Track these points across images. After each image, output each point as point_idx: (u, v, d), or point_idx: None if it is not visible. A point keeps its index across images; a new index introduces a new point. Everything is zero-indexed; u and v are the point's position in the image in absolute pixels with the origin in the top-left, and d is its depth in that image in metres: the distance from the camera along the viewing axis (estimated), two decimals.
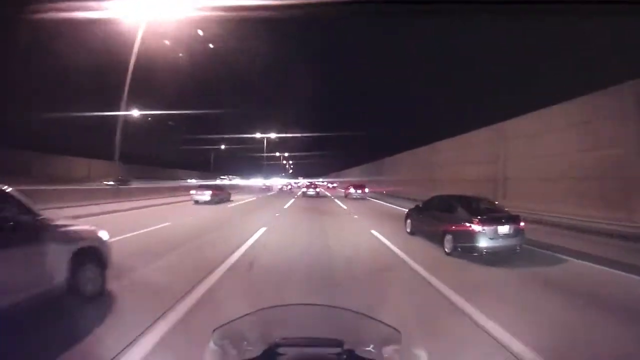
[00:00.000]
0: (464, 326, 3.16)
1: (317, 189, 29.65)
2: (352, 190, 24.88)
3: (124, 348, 2.44)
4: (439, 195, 7.97)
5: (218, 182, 31.03)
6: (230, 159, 58.40)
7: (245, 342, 1.08)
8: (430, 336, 2.80)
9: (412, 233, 8.14)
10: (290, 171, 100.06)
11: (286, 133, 45.01)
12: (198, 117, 38.69)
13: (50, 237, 3.09)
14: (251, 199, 22.19)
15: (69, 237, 3.33)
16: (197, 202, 16.11)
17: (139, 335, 2.66)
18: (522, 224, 6.12)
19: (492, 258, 5.66)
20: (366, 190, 25.29)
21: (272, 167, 70.90)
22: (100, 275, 3.58)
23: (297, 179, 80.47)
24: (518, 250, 5.98)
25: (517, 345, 2.70)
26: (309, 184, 34.02)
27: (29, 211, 3.01)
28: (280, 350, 0.94)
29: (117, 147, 14.49)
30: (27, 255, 2.85)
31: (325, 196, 28.73)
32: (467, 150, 16.24)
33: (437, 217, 6.89)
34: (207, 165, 54.86)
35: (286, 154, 64.87)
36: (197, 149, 46.24)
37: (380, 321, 1.22)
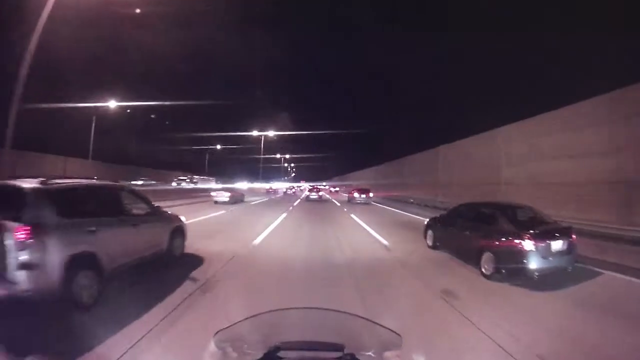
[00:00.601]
0: None
1: (320, 193, 29.57)
2: (356, 194, 23.57)
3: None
4: (469, 203, 6.67)
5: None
6: (231, 163, 57.10)
7: (246, 345, 1.09)
8: None
9: (434, 247, 6.90)
10: (293, 174, 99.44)
11: (288, 135, 43.35)
12: (201, 119, 37.77)
13: (161, 219, 5.13)
14: (264, 200, 26.08)
15: (169, 220, 5.39)
16: (216, 202, 18.34)
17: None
18: (574, 237, 4.93)
19: (540, 281, 4.47)
20: (370, 194, 23.99)
21: (274, 171, 69.81)
22: (182, 243, 5.62)
23: (299, 182, 79.39)
24: (570, 270, 4.81)
25: None
26: (311, 187, 33.70)
27: (147, 202, 4.98)
28: (281, 353, 0.95)
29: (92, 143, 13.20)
30: (150, 230, 4.71)
31: (328, 201, 27.78)
32: (482, 152, 14.84)
33: (470, 229, 5.64)
34: (216, 168, 53.79)
35: (287, 156, 62.93)
36: (200, 151, 45.30)
37: (381, 325, 1.22)
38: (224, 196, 18.62)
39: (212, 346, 1.10)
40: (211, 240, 7.23)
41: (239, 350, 1.08)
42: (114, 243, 3.81)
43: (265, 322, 1.32)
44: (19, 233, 2.80)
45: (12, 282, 2.78)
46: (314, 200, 25.80)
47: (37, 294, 2.87)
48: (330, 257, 6.26)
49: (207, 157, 48.74)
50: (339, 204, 22.50)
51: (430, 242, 7.02)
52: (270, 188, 43.06)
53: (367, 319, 1.33)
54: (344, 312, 1.45)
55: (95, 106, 18.66)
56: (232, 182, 37.27)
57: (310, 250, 6.84)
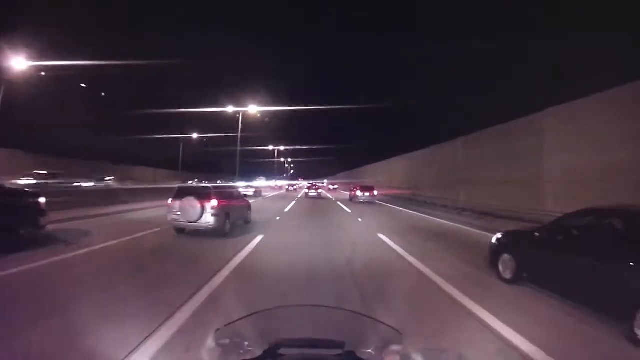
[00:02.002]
0: None
1: (319, 190, 29.67)
2: (359, 192, 21.24)
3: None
4: (603, 210, 3.90)
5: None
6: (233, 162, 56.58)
7: (247, 343, 1.07)
8: None
9: (513, 280, 4.40)
10: (291, 172, 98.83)
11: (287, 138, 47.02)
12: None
13: (245, 203, 10.10)
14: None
15: (248, 203, 10.38)
16: (245, 195, 22.80)
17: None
18: None
19: None
20: (375, 192, 21.45)
21: (273, 168, 69.70)
22: (250, 215, 10.26)
23: (298, 180, 79.08)
24: None
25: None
26: (310, 185, 33.60)
27: (237, 189, 11.17)
28: (281, 351, 0.93)
29: None
30: (242, 208, 9.57)
31: (327, 198, 26.63)
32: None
33: (616, 259, 3.13)
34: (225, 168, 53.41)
35: (282, 148, 62.15)
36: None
37: (381, 322, 1.21)
38: (250, 191, 24.26)
39: (211, 343, 1.07)
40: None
41: (239, 347, 1.04)
42: (234, 212, 8.41)
43: (266, 319, 1.31)
44: (212, 204, 7.29)
45: (208, 223, 7.27)
46: (313, 197, 26.33)
47: (216, 228, 7.42)
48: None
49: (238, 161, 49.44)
50: (340, 203, 20.30)
51: (507, 274, 4.51)
52: (276, 185, 54.76)
53: (367, 316, 1.34)
54: (344, 310, 1.49)
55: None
56: (246, 181, 37.13)
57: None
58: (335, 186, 57.49)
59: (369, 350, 1.03)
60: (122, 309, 3.25)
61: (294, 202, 20.19)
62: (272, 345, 0.94)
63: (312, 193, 27.46)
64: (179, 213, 7.27)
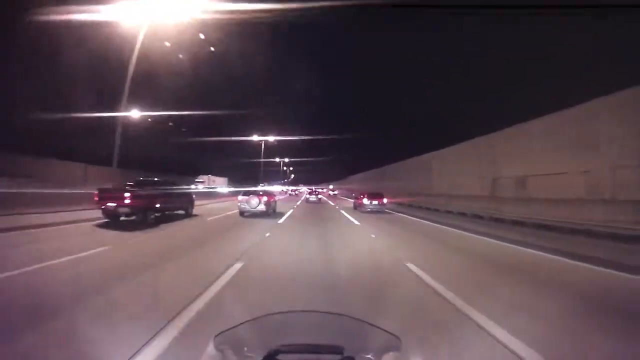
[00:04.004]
0: None
1: (319, 196, 32.47)
2: (365, 201, 18.20)
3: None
4: None
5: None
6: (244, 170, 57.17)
7: (246, 348, 1.08)
8: None
9: None
10: (292, 176, 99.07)
11: (286, 137, 46.43)
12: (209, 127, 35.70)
13: (274, 197, 16.24)
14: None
15: (275, 197, 16.48)
16: None
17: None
18: None
19: None
20: (384, 200, 18.36)
21: (273, 174, 71.67)
22: (276, 207, 16.43)
23: (298, 186, 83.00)
24: None
25: None
26: (310, 190, 36.88)
27: (271, 194, 16.36)
28: (281, 356, 0.94)
29: None
30: (274, 202, 15.88)
31: (327, 206, 24.70)
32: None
33: None
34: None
35: (286, 159, 65.98)
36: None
37: (380, 328, 1.21)
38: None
39: (211, 349, 1.08)
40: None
41: (238, 353, 1.06)
42: (272, 204, 14.92)
43: (265, 324, 1.35)
44: (264, 199, 13.81)
45: (263, 212, 13.76)
46: (313, 201, 28.76)
47: (265, 212, 13.77)
48: None
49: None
50: (344, 212, 18.12)
51: None
52: (282, 190, 58.66)
53: (366, 322, 1.32)
54: (343, 315, 1.47)
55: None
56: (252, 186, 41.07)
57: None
58: (335, 192, 58.55)
59: (368, 356, 1.04)
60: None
61: (299, 202, 29.07)
62: (272, 351, 0.96)
63: (312, 198, 30.51)
64: (245, 204, 13.72)
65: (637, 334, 2.98)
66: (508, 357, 2.41)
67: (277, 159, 60.85)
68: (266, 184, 57.21)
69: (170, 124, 32.66)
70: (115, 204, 9.14)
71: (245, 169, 51.66)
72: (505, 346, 2.55)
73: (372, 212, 17.32)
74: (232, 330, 1.19)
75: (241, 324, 1.24)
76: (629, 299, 4.07)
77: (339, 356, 0.94)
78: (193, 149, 37.50)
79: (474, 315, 3.16)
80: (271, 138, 43.00)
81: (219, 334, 1.15)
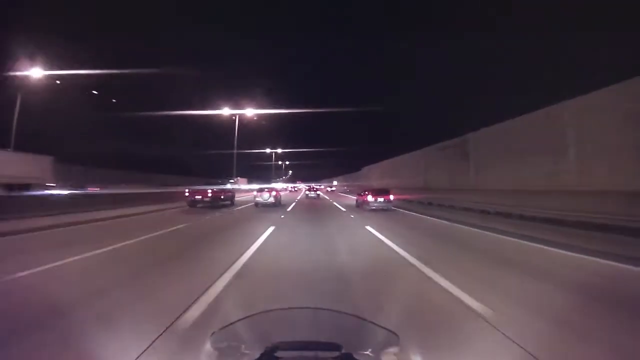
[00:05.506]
0: None
1: (317, 192, 35.12)
2: (370, 198, 16.20)
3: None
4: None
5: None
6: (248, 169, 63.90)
7: (243, 346, 1.07)
8: None
9: None
10: (290, 173, 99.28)
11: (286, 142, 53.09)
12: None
13: (280, 193, 22.17)
14: (284, 192, 38.71)
15: (280, 193, 22.31)
16: None
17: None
18: None
19: None
20: (391, 197, 16.52)
21: (270, 171, 71.81)
22: (281, 200, 20.88)
23: (296, 182, 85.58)
24: None
25: None
26: (308, 187, 40.31)
27: (277, 190, 21.88)
28: (279, 353, 0.93)
29: None
30: (280, 196, 21.27)
31: (327, 203, 23.23)
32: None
33: None
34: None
35: (279, 150, 65.76)
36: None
37: (378, 325, 1.21)
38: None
39: (208, 346, 1.08)
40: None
41: (236, 350, 1.06)
42: (280, 197, 20.16)
43: (263, 322, 1.34)
44: (274, 193, 18.84)
45: (273, 204, 18.18)
46: (312, 198, 29.77)
47: (274, 204, 18.29)
48: None
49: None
50: (344, 209, 16.92)
51: None
52: (284, 187, 61.73)
53: (364, 319, 1.33)
54: (341, 312, 1.51)
55: None
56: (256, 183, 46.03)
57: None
58: (333, 188, 59.71)
59: (366, 353, 1.04)
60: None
61: (300, 196, 33.73)
62: (269, 348, 0.95)
63: (311, 194, 32.04)
64: (259, 197, 18.23)
65: None
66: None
67: (280, 162, 67.45)
68: (280, 179, 63.99)
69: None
70: (200, 196, 16.43)
71: (256, 170, 65.03)
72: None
73: (377, 210, 15.53)
74: (228, 327, 1.20)
75: (238, 321, 1.24)
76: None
77: (337, 353, 0.93)
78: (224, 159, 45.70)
79: None
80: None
81: (216, 331, 1.17)
